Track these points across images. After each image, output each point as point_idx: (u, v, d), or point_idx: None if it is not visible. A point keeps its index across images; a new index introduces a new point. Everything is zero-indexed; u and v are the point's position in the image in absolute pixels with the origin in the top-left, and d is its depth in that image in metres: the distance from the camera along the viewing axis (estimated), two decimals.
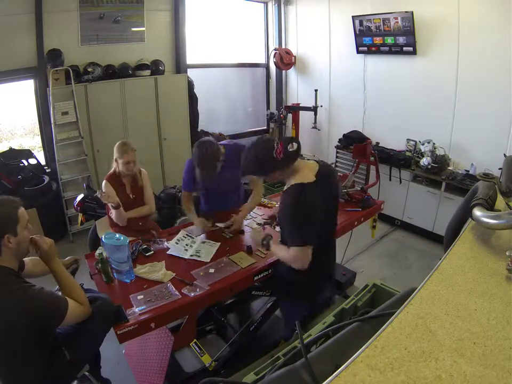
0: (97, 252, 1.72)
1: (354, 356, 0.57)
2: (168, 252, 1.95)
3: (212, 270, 1.77)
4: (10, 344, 1.22)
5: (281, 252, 1.60)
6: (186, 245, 2.01)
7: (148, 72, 3.98)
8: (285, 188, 1.56)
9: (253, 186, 2.29)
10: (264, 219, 2.20)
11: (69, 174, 3.64)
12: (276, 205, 2.53)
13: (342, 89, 4.48)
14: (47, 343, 1.35)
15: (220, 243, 2.03)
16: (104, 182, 2.22)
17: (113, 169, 2.25)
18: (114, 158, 2.22)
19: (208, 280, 1.70)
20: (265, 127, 5.55)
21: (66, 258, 1.69)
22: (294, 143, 1.46)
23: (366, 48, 3.98)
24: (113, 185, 2.20)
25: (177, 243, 2.01)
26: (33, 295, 1.23)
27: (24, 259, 1.50)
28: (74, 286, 1.42)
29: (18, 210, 1.31)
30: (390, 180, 3.74)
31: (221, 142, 2.19)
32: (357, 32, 3.95)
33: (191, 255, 1.92)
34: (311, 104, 4.57)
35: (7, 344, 1.22)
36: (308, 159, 1.64)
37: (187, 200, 2.24)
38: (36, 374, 1.31)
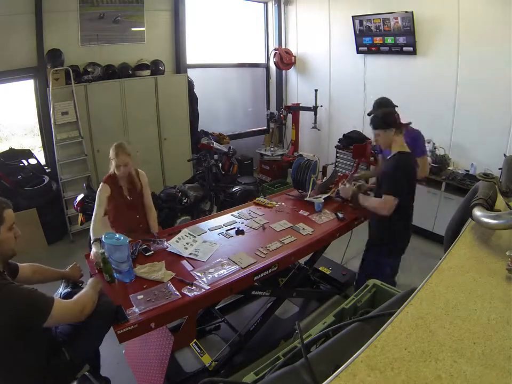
0: (99, 251, 1.72)
1: (354, 356, 0.57)
2: (168, 249, 1.95)
3: (211, 270, 1.77)
4: (1, 343, 1.20)
5: (369, 202, 2.11)
6: (187, 243, 2.00)
7: (147, 72, 3.98)
8: (389, 156, 2.04)
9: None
10: (358, 181, 2.51)
11: (69, 174, 3.64)
12: (276, 205, 2.53)
13: (342, 89, 4.48)
14: (40, 343, 1.33)
15: (219, 244, 2.03)
16: (101, 184, 2.20)
17: (111, 170, 2.24)
18: (110, 157, 2.21)
19: (208, 280, 1.70)
20: (265, 127, 5.55)
21: (69, 267, 1.73)
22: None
23: (366, 48, 3.98)
24: (111, 187, 2.18)
25: (177, 241, 2.01)
26: (10, 291, 1.21)
27: (23, 264, 1.50)
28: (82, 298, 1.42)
29: (4, 211, 1.31)
30: None
31: None
32: (357, 32, 3.95)
33: (190, 254, 1.92)
34: (311, 104, 4.57)
35: None
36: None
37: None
38: (35, 374, 1.31)
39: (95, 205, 2.14)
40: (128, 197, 2.27)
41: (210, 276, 1.73)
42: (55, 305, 1.27)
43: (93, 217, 2.12)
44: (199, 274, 1.74)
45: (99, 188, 2.18)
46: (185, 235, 2.07)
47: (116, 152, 2.14)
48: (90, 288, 1.47)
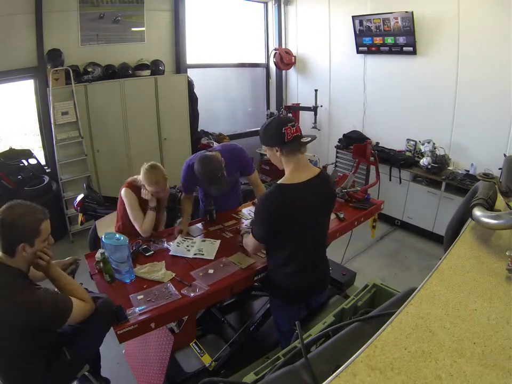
0: (99, 252, 1.73)
1: (354, 356, 0.57)
2: (170, 253, 1.95)
3: (211, 271, 1.77)
4: (14, 343, 1.23)
5: (245, 239, 1.76)
6: (187, 246, 2.01)
7: (148, 72, 3.98)
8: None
9: (254, 186, 2.32)
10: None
11: (69, 174, 3.64)
12: None
13: (342, 89, 4.48)
14: (49, 343, 1.36)
15: (220, 240, 2.04)
16: (124, 189, 2.11)
17: (136, 180, 2.13)
18: (141, 180, 2.07)
19: (208, 280, 1.70)
20: None
21: (66, 259, 1.69)
22: (308, 138, 1.49)
23: (366, 48, 3.98)
24: (134, 192, 2.10)
25: (178, 246, 2.00)
26: (39, 297, 1.24)
27: None
28: (74, 285, 1.43)
29: (42, 222, 1.33)
30: (390, 180, 3.74)
31: (215, 148, 2.22)
32: (357, 32, 3.95)
33: (195, 254, 1.92)
34: (311, 104, 4.57)
35: (11, 343, 1.23)
36: (312, 164, 1.66)
37: (186, 202, 2.28)
38: (36, 373, 1.32)
39: (131, 210, 2.04)
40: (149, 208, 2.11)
41: (210, 276, 1.73)
42: (74, 306, 1.31)
43: (137, 221, 2.04)
44: (199, 275, 1.73)
45: (125, 193, 2.09)
46: (183, 239, 2.07)
47: (157, 181, 2.01)
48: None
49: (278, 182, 1.50)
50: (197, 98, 4.43)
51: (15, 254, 1.27)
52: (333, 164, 4.32)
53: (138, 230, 2.06)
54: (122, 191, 2.12)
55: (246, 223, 2.27)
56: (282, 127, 1.44)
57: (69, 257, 1.70)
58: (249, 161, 2.27)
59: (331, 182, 1.80)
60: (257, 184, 2.32)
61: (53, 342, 1.38)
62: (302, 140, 1.47)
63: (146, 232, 2.06)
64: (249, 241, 1.66)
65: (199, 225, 2.29)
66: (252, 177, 2.29)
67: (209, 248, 1.98)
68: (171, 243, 2.03)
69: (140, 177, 2.09)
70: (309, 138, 1.49)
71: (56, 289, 1.40)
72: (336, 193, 1.87)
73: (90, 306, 1.40)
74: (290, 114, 4.92)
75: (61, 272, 1.44)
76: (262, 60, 5.37)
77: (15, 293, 1.22)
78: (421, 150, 3.65)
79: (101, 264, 1.68)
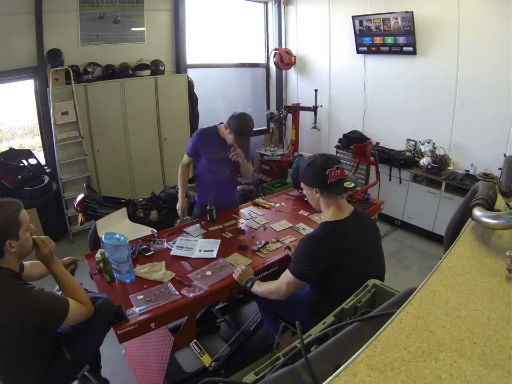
0: (99, 252, 1.73)
1: (354, 356, 0.57)
2: (171, 253, 1.95)
3: (209, 273, 1.77)
4: (10, 345, 1.22)
5: (264, 287, 1.60)
6: (188, 247, 2.01)
7: (148, 72, 3.98)
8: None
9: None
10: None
11: (69, 174, 3.64)
12: (276, 205, 2.54)
13: (342, 89, 4.48)
14: (48, 344, 1.35)
15: (220, 240, 2.04)
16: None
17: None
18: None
19: (207, 282, 1.70)
20: (265, 127, 5.55)
21: (65, 259, 1.69)
22: (352, 183, 1.43)
23: (366, 48, 3.98)
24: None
25: (179, 248, 2.00)
26: (33, 297, 1.23)
27: (24, 262, 1.50)
28: (75, 286, 1.41)
29: (19, 213, 1.29)
30: (390, 180, 3.74)
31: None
32: (357, 32, 3.95)
33: (197, 254, 1.93)
34: (311, 104, 4.57)
35: (8, 345, 1.22)
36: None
37: (182, 173, 2.46)
38: (36, 374, 1.32)
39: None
40: None
41: (208, 278, 1.73)
42: (71, 308, 1.29)
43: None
44: (197, 277, 1.73)
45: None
46: (184, 240, 2.07)
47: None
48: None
49: (325, 221, 1.46)
50: (197, 98, 4.43)
51: (3, 254, 1.25)
52: None
53: None
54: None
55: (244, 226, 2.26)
56: (327, 168, 1.39)
57: (67, 257, 1.70)
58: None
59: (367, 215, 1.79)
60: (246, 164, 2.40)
61: (52, 342, 1.38)
62: (345, 185, 1.41)
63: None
64: (283, 277, 1.49)
65: (199, 225, 2.29)
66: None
67: (211, 247, 1.98)
68: (172, 243, 2.04)
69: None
70: (353, 184, 1.43)
71: (55, 290, 1.40)
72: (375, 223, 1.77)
73: (89, 309, 1.38)
74: (290, 114, 4.94)
75: (64, 270, 1.44)
76: (262, 60, 5.37)
77: (7, 294, 1.21)
78: (421, 150, 3.65)
79: (101, 264, 1.68)
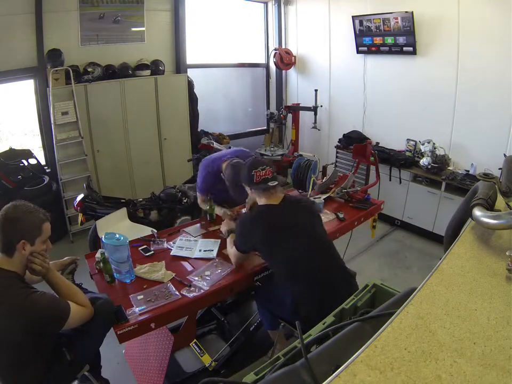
0: (99, 252, 1.72)
1: (354, 356, 0.57)
2: (172, 253, 1.95)
3: (208, 273, 1.76)
4: (12, 347, 1.23)
5: (229, 245, 1.87)
6: (188, 247, 2.01)
7: (147, 72, 3.98)
8: None
9: None
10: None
11: (69, 174, 3.64)
12: None
13: (342, 89, 4.48)
14: (48, 345, 1.35)
15: (220, 240, 2.04)
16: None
17: None
18: None
19: (207, 282, 1.70)
20: (265, 127, 5.55)
21: (65, 258, 1.69)
22: (275, 182, 1.70)
23: (366, 48, 3.98)
24: None
25: (179, 248, 2.00)
26: (35, 300, 1.23)
27: None
28: (74, 290, 1.41)
29: (44, 223, 1.34)
30: (390, 180, 3.74)
31: (226, 153, 2.25)
32: (357, 32, 3.95)
33: (197, 254, 1.93)
34: (311, 104, 4.57)
35: (9, 346, 1.23)
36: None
37: (203, 201, 2.36)
38: (36, 374, 1.32)
39: None
40: None
41: (208, 279, 1.72)
42: (72, 311, 1.30)
43: None
44: (196, 278, 1.73)
45: None
46: (184, 240, 2.08)
47: None
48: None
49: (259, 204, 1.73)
50: (197, 98, 4.43)
51: (14, 252, 1.26)
52: (333, 163, 4.32)
53: None
54: None
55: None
56: (253, 169, 1.69)
57: (66, 257, 1.70)
58: None
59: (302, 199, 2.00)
60: None
61: (52, 344, 1.38)
62: (269, 184, 1.68)
63: None
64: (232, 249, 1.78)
65: (199, 225, 2.29)
66: None
67: (211, 246, 1.98)
68: (172, 243, 2.04)
69: None
70: (276, 182, 1.71)
71: (54, 293, 1.40)
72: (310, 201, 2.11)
73: (89, 311, 1.39)
74: (290, 114, 4.94)
75: (59, 276, 1.43)
76: (262, 60, 5.37)
77: (10, 297, 1.21)
78: (421, 150, 3.65)
79: (101, 264, 1.68)
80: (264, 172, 1.69)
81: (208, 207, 2.29)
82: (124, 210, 2.85)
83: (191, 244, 2.02)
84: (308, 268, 1.58)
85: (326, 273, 1.59)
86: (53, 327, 1.30)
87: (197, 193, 2.39)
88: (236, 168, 1.99)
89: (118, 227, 2.62)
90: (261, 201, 1.72)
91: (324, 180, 2.72)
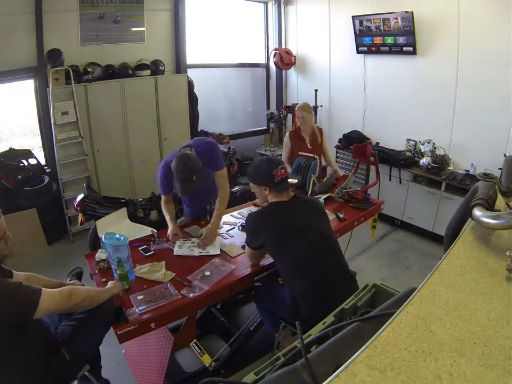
0: (99, 252, 1.72)
1: (354, 356, 0.57)
2: (175, 253, 1.95)
3: (207, 273, 1.76)
4: None
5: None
6: (189, 246, 2.01)
7: (148, 72, 3.98)
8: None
9: (218, 185, 2.14)
10: None
11: (69, 174, 3.64)
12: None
13: (342, 89, 4.48)
14: (35, 339, 1.31)
15: (220, 238, 2.05)
16: (286, 135, 2.98)
17: (296, 126, 3.00)
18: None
19: (207, 283, 1.70)
20: (265, 127, 5.55)
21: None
22: (295, 179, 1.71)
23: (366, 48, 3.98)
24: (295, 139, 2.93)
25: (180, 247, 2.00)
26: None
27: (18, 273, 1.46)
28: (91, 294, 1.41)
29: None
30: (390, 180, 3.74)
31: (190, 143, 2.11)
32: (357, 32, 3.95)
33: (200, 252, 1.94)
34: (311, 104, 4.55)
35: None
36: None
37: (166, 203, 2.19)
38: (34, 374, 1.31)
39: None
40: (309, 146, 2.92)
41: (208, 279, 1.72)
42: (43, 295, 1.22)
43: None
44: (196, 277, 1.73)
45: (286, 138, 3.00)
46: (183, 241, 2.07)
47: (299, 113, 2.90)
48: (98, 289, 1.47)
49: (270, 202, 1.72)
50: (197, 98, 4.43)
51: None
52: None
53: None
54: (285, 137, 3.04)
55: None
56: (273, 169, 1.63)
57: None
58: (218, 157, 2.14)
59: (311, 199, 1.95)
60: (222, 183, 2.13)
61: (51, 342, 1.37)
62: (289, 181, 1.67)
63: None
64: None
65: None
66: (218, 174, 2.12)
67: (213, 244, 1.99)
68: (172, 243, 2.04)
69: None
70: (296, 180, 1.71)
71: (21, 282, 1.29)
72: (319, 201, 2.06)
73: (66, 294, 1.30)
74: (290, 114, 4.94)
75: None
76: (262, 60, 5.37)
77: None
78: (421, 150, 3.65)
79: (118, 272, 1.61)
80: (283, 170, 1.66)
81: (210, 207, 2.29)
82: (123, 210, 2.85)
83: (191, 244, 2.02)
84: (312, 266, 1.58)
85: (328, 273, 1.59)
86: (23, 316, 1.20)
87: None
88: (182, 160, 1.86)
89: (118, 227, 2.62)
90: (272, 199, 1.71)
91: (324, 180, 2.72)
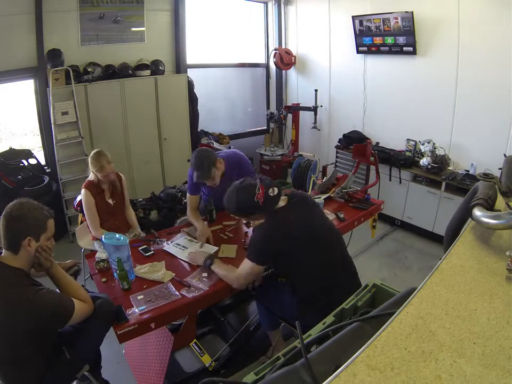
0: (99, 252, 1.72)
1: (354, 356, 0.57)
2: (164, 248, 1.97)
3: (205, 274, 1.76)
4: (15, 344, 1.23)
5: (223, 270, 1.70)
6: (184, 246, 2.01)
7: (147, 72, 3.98)
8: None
9: None
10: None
11: (69, 174, 3.64)
12: None
13: (342, 89, 4.48)
14: (50, 343, 1.36)
15: (217, 248, 2.01)
16: (83, 191, 2.23)
17: (90, 176, 2.27)
18: (90, 168, 2.22)
19: (207, 283, 1.69)
20: (265, 127, 5.55)
21: (67, 262, 1.69)
22: (274, 188, 1.58)
23: (366, 48, 3.98)
24: (93, 193, 2.24)
25: (175, 246, 2.01)
26: (41, 297, 1.24)
27: None
28: (75, 286, 1.43)
29: (48, 220, 1.35)
30: (390, 180, 3.74)
31: (219, 154, 2.21)
32: (357, 32, 3.95)
33: (187, 256, 1.92)
34: (311, 104, 4.57)
35: (12, 344, 1.23)
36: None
37: (191, 203, 2.26)
38: (36, 373, 1.32)
39: (86, 211, 2.21)
40: (110, 202, 2.34)
41: (206, 280, 1.72)
42: (76, 308, 1.32)
43: (93, 224, 2.20)
44: (194, 280, 1.72)
45: (82, 194, 2.24)
46: (183, 239, 2.08)
47: (101, 166, 2.18)
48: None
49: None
50: (197, 98, 4.42)
51: (19, 249, 1.28)
52: (333, 163, 4.32)
53: (91, 231, 2.22)
54: (82, 192, 2.24)
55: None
56: (253, 196, 1.52)
57: (69, 260, 1.71)
58: (249, 168, 2.33)
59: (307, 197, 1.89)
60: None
61: (53, 343, 1.39)
62: (270, 195, 1.55)
63: (98, 235, 2.17)
64: (243, 264, 1.64)
65: None
66: None
67: (209, 248, 1.98)
68: (170, 242, 2.04)
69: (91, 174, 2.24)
70: (276, 190, 1.57)
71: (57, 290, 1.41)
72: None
73: (90, 307, 1.40)
74: (290, 114, 4.94)
75: (62, 271, 1.45)
76: (262, 60, 5.37)
77: (17, 294, 1.22)
78: (421, 150, 3.65)
79: (118, 272, 1.63)
80: (260, 191, 1.55)
81: (209, 207, 2.28)
82: None
83: (188, 244, 2.02)
84: (323, 269, 1.57)
85: (336, 274, 1.61)
86: (57, 323, 1.31)
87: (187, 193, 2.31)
88: (200, 152, 2.00)
89: None
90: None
91: (324, 180, 2.72)
